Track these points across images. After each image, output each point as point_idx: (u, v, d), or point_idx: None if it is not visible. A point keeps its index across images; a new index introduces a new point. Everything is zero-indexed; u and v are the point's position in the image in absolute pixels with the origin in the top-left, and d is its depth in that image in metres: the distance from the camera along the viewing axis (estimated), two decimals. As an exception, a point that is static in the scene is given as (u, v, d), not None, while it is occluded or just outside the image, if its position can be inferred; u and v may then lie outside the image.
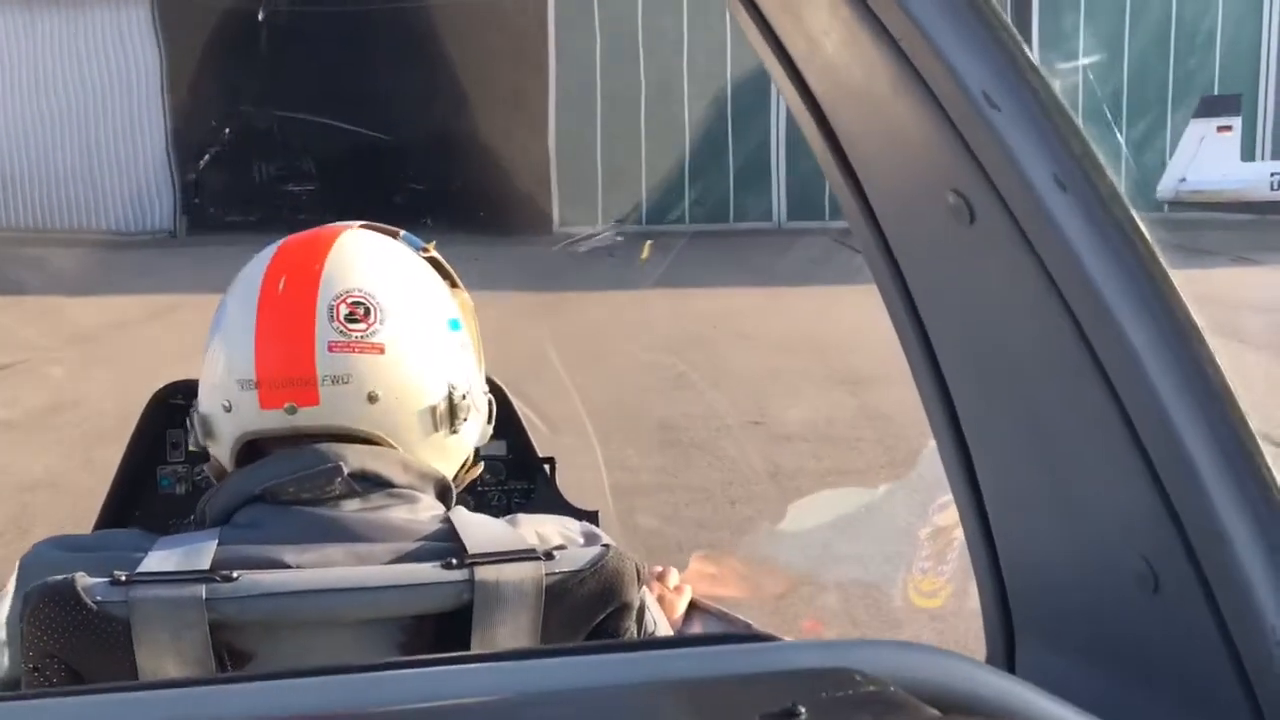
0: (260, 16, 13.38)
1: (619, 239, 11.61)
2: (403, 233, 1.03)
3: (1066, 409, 0.71)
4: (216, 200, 13.94)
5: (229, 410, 0.92)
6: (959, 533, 0.71)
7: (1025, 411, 0.72)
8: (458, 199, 13.04)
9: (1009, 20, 0.72)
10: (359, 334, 0.90)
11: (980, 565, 0.75)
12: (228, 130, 14.66)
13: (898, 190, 0.76)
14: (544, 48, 14.63)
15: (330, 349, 0.89)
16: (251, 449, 0.94)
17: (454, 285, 1.04)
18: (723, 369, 6.23)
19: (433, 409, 0.94)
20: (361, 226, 1.01)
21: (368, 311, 0.91)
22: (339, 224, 1.01)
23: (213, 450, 0.96)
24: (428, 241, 1.05)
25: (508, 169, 13.66)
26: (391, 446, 0.93)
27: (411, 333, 0.94)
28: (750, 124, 14.23)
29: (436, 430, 0.95)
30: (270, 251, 0.97)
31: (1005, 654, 0.74)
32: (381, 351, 0.91)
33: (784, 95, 0.79)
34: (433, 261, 1.02)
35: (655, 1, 14.40)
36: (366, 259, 0.96)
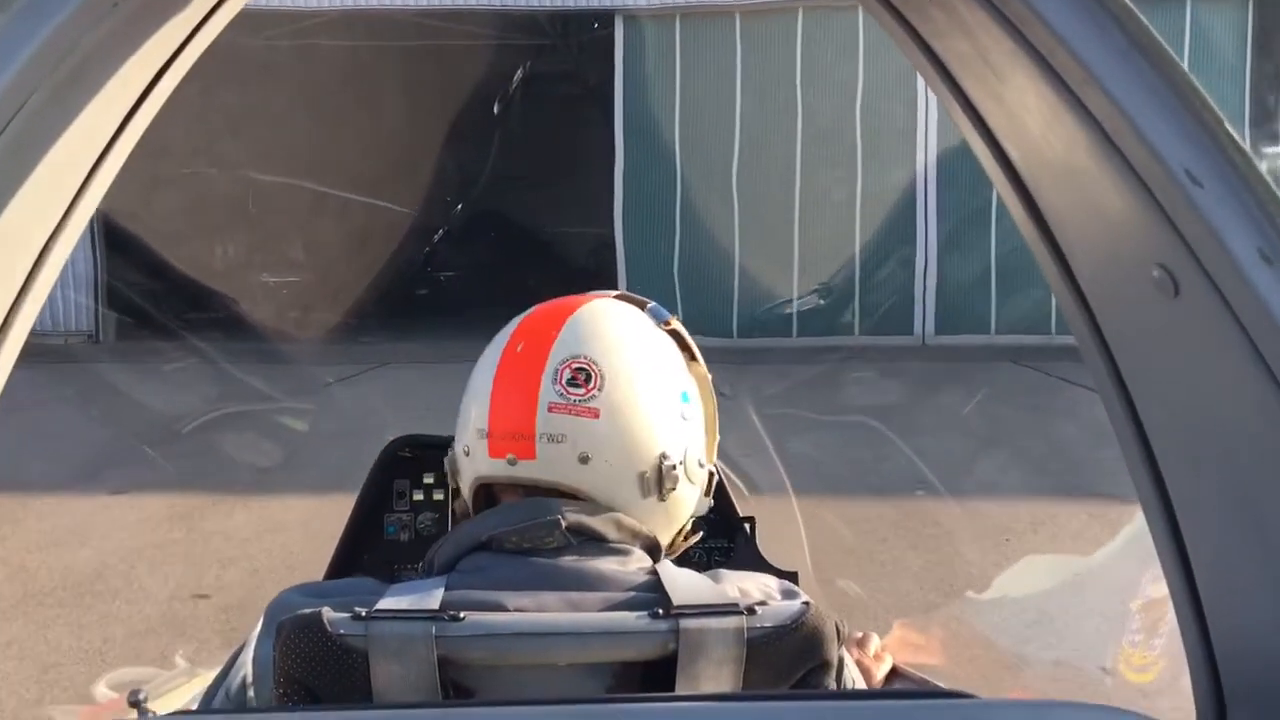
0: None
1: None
2: (651, 303, 1.41)
3: (1276, 484, 0.99)
4: (159, 293, 13.05)
5: (468, 455, 1.34)
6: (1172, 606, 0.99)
7: (1235, 486, 0.97)
8: (504, 293, 13.32)
9: (1209, 99, 1.04)
10: (577, 398, 1.28)
11: (1190, 639, 0.99)
12: (178, 196, 15.11)
13: (1102, 263, 1.04)
14: (611, 119, 14.82)
15: (550, 409, 1.28)
16: (488, 495, 1.35)
17: (693, 359, 1.41)
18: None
19: (642, 475, 1.31)
20: (617, 297, 1.41)
21: (589, 378, 1.29)
22: (591, 293, 1.41)
23: (462, 490, 1.39)
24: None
25: (567, 252, 13.98)
26: (602, 504, 1.29)
27: (632, 402, 1.31)
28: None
29: (647, 496, 1.32)
30: (522, 315, 1.37)
31: (1216, 730, 1.01)
32: (596, 416, 1.29)
33: (987, 171, 1.11)
34: (674, 334, 1.40)
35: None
36: (601, 328, 1.34)
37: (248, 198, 14.33)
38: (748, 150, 13.89)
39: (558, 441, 1.28)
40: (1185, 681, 1.01)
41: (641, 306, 1.42)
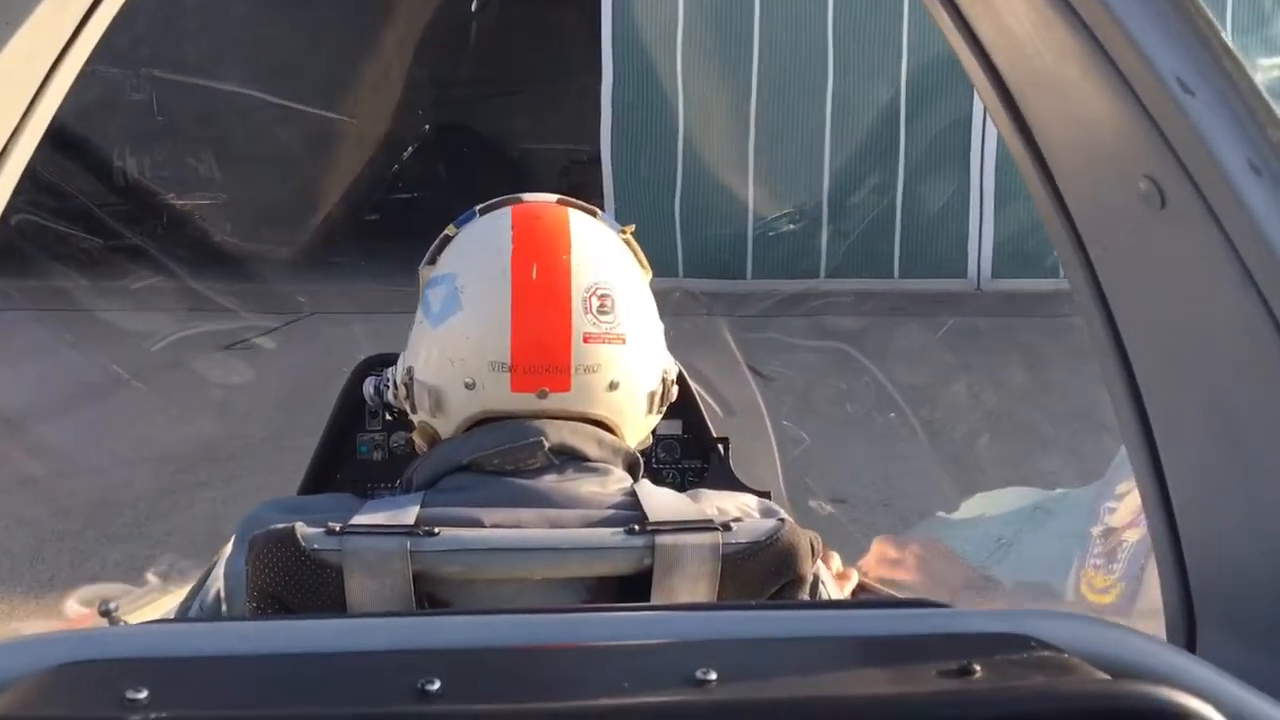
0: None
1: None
2: (600, 212, 1.50)
3: (1258, 401, 1.01)
4: (43, 214, 13.04)
5: (472, 388, 1.41)
6: (1130, 534, 1.11)
7: (1214, 403, 1.03)
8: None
9: (1203, 4, 1.14)
10: (607, 325, 1.39)
11: (1163, 554, 1.06)
12: (80, 101, 14.27)
13: (1088, 176, 1.11)
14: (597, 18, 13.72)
15: (585, 340, 1.38)
16: (476, 421, 1.41)
17: (642, 266, 1.50)
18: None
19: (652, 394, 1.44)
20: (559, 202, 1.50)
21: (613, 303, 1.39)
22: (544, 199, 1.49)
23: (434, 421, 1.45)
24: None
25: (548, 171, 13.70)
26: (613, 428, 1.41)
27: (641, 322, 1.42)
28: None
29: (650, 413, 1.45)
30: (503, 230, 1.43)
31: (1185, 642, 1.07)
32: (624, 342, 1.40)
33: (974, 82, 1.21)
34: (627, 244, 1.50)
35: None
36: (603, 249, 1.43)
37: (153, 102, 13.97)
38: (768, 56, 12.45)
39: (592, 371, 1.40)
40: (1141, 604, 1.14)
41: (593, 214, 1.51)
